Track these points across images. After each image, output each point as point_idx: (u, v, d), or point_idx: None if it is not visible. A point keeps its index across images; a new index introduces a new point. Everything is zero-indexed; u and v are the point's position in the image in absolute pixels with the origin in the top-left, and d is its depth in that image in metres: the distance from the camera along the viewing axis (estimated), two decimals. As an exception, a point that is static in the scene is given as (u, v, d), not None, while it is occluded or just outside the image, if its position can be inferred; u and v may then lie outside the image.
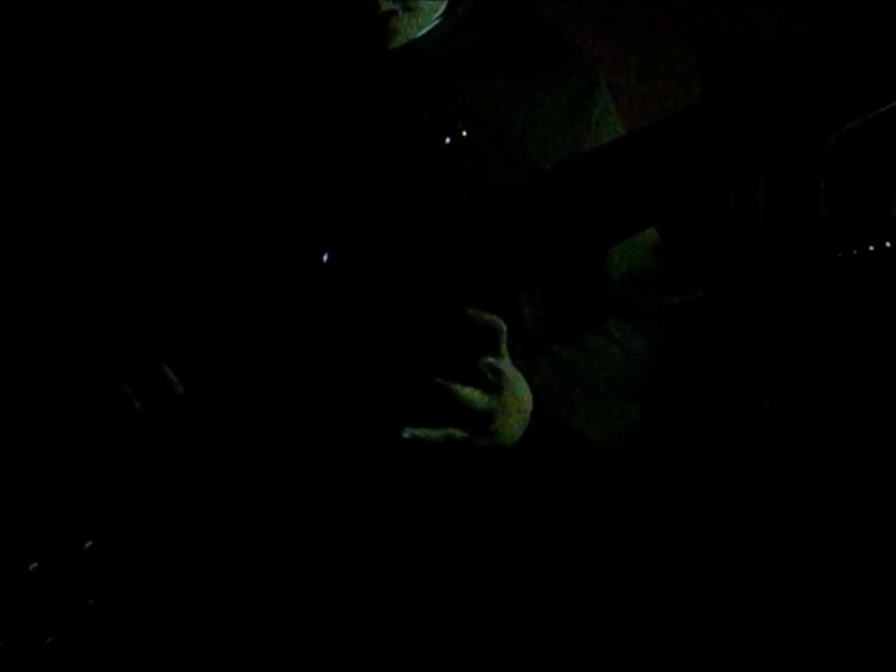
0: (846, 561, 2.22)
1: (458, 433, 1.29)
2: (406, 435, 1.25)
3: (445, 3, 1.47)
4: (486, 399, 1.29)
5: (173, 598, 1.30)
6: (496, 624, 1.42)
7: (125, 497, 1.26)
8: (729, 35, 2.20)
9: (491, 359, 1.29)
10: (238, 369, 1.29)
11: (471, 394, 1.29)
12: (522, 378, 1.35)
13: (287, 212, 1.37)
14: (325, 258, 1.30)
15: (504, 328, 1.29)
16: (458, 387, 1.28)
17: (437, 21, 1.47)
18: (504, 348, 1.30)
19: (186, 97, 1.42)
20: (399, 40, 1.43)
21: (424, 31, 1.45)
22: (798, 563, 2.25)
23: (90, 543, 1.15)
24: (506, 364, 1.31)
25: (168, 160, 1.40)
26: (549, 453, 1.40)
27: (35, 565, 1.15)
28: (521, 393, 1.35)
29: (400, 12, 1.41)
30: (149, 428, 1.26)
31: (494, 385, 1.30)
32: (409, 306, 1.30)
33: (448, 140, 1.33)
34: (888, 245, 2.12)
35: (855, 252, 2.15)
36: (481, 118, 1.42)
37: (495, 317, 1.28)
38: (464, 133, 1.33)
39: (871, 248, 2.12)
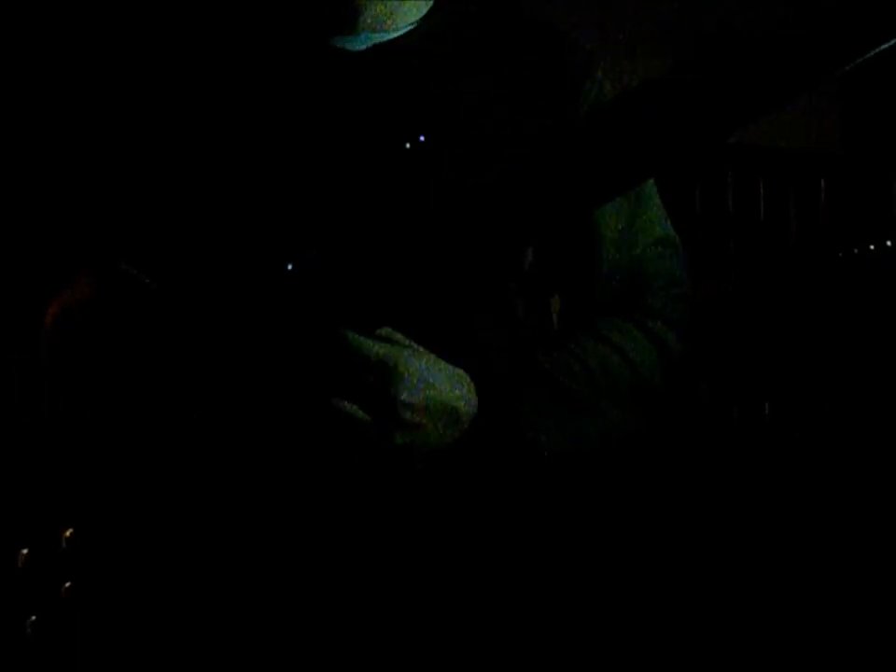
0: (845, 560, 2.22)
1: (360, 413, 1.28)
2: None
3: (428, 2, 1.46)
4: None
5: (166, 595, 1.30)
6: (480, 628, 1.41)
7: (113, 487, 1.26)
8: (730, 34, 2.20)
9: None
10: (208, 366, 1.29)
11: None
12: (460, 384, 1.34)
13: (246, 216, 1.37)
14: (289, 266, 1.30)
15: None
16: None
17: (417, 22, 1.46)
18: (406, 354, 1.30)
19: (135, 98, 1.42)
20: (367, 23, 1.43)
21: (406, 27, 1.45)
22: (797, 562, 2.24)
23: (70, 531, 1.16)
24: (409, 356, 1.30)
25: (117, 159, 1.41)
26: (500, 463, 1.38)
27: (25, 551, 1.17)
28: (448, 395, 1.33)
29: None
30: (132, 419, 1.27)
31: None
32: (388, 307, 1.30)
33: (408, 145, 1.32)
34: (888, 243, 2.12)
35: (856, 251, 2.14)
36: (466, 117, 1.41)
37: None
38: (421, 139, 1.32)
39: (871, 247, 2.12)
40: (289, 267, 1.29)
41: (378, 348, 1.27)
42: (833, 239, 2.22)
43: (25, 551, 1.16)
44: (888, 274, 2.15)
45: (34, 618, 1.17)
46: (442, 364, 1.31)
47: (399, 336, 1.30)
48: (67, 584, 1.17)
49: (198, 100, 1.40)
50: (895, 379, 2.19)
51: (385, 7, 1.43)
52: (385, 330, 1.31)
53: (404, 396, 1.27)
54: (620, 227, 1.48)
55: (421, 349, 1.30)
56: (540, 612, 1.43)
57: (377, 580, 1.32)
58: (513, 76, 1.45)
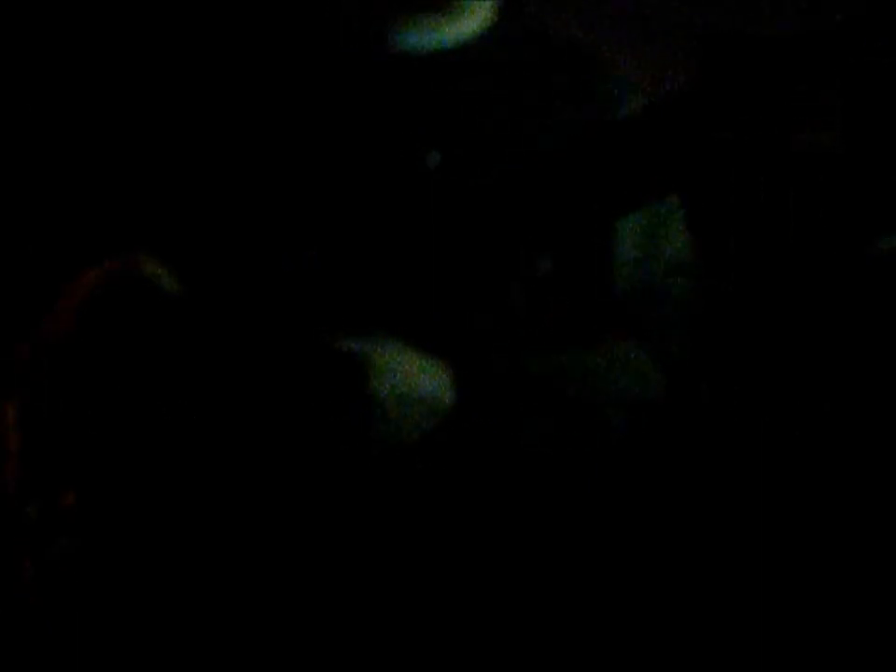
0: (846, 561, 2.21)
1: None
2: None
3: (492, 11, 1.47)
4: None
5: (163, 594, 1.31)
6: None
7: (114, 463, 1.28)
8: (736, 34, 2.20)
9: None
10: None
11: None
12: (437, 375, 1.34)
13: (255, 215, 1.37)
14: (287, 265, 1.31)
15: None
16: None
17: (475, 35, 1.47)
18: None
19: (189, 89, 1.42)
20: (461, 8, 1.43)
21: (464, 38, 1.45)
22: (797, 562, 2.24)
23: (72, 494, 1.18)
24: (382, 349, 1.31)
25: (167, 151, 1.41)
26: (484, 462, 1.38)
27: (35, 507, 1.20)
28: (424, 387, 1.33)
29: None
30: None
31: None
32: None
33: (428, 162, 1.33)
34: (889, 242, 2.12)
35: (854, 250, 2.14)
36: (496, 132, 1.42)
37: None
38: (438, 158, 1.33)
39: (870, 246, 2.12)
40: (287, 266, 1.30)
41: (350, 342, 1.27)
42: (834, 238, 2.22)
43: (34, 506, 1.18)
44: (888, 274, 2.15)
45: (28, 566, 1.19)
46: (419, 356, 1.32)
47: (377, 330, 1.30)
48: (63, 543, 1.20)
49: (234, 96, 1.41)
50: (895, 379, 2.19)
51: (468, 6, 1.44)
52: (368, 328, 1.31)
53: (377, 387, 1.27)
54: (637, 246, 1.48)
55: (399, 343, 1.31)
56: (533, 611, 1.43)
57: (365, 576, 1.33)
58: (549, 98, 1.45)
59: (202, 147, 1.41)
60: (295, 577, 1.32)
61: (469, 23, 1.44)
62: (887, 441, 2.20)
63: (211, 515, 1.32)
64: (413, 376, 1.31)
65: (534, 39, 1.49)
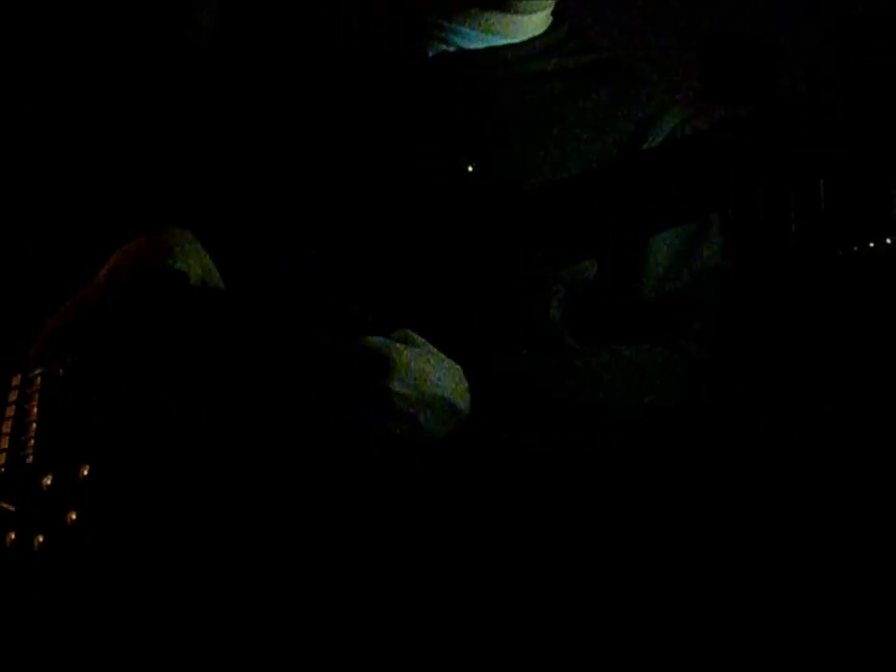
0: (846, 562, 2.21)
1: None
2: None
3: (545, 19, 1.48)
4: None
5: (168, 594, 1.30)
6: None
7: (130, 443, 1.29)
8: (737, 34, 2.21)
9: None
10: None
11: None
12: (456, 378, 1.35)
13: (281, 218, 1.38)
14: (286, 265, 1.32)
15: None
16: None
17: (529, 37, 1.48)
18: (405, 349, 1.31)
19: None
20: (520, 7, 1.43)
21: (514, 40, 1.46)
22: (797, 563, 2.24)
23: (87, 468, 1.18)
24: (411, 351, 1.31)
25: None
26: (487, 463, 1.39)
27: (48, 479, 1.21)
28: (443, 388, 1.34)
29: None
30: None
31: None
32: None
33: (469, 169, 1.34)
34: (888, 241, 2.13)
35: (855, 249, 2.15)
36: (536, 136, 1.42)
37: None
38: (469, 169, 1.34)
39: (871, 245, 2.12)
40: (288, 266, 1.30)
41: (374, 340, 1.28)
42: (833, 237, 2.22)
43: (49, 477, 1.19)
44: (888, 273, 2.15)
45: (41, 538, 1.20)
46: (439, 357, 1.32)
47: (400, 330, 1.31)
48: (73, 515, 1.20)
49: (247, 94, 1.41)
50: (895, 379, 2.19)
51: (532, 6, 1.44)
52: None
53: (397, 386, 1.28)
54: (673, 251, 1.48)
55: (420, 342, 1.31)
56: (536, 611, 1.43)
57: (372, 576, 1.33)
58: (588, 105, 1.46)
59: (208, 148, 1.42)
60: (297, 564, 1.32)
61: (525, 26, 1.45)
62: (886, 439, 2.21)
63: (218, 508, 1.32)
64: (434, 378, 1.31)
65: (577, 52, 1.50)
